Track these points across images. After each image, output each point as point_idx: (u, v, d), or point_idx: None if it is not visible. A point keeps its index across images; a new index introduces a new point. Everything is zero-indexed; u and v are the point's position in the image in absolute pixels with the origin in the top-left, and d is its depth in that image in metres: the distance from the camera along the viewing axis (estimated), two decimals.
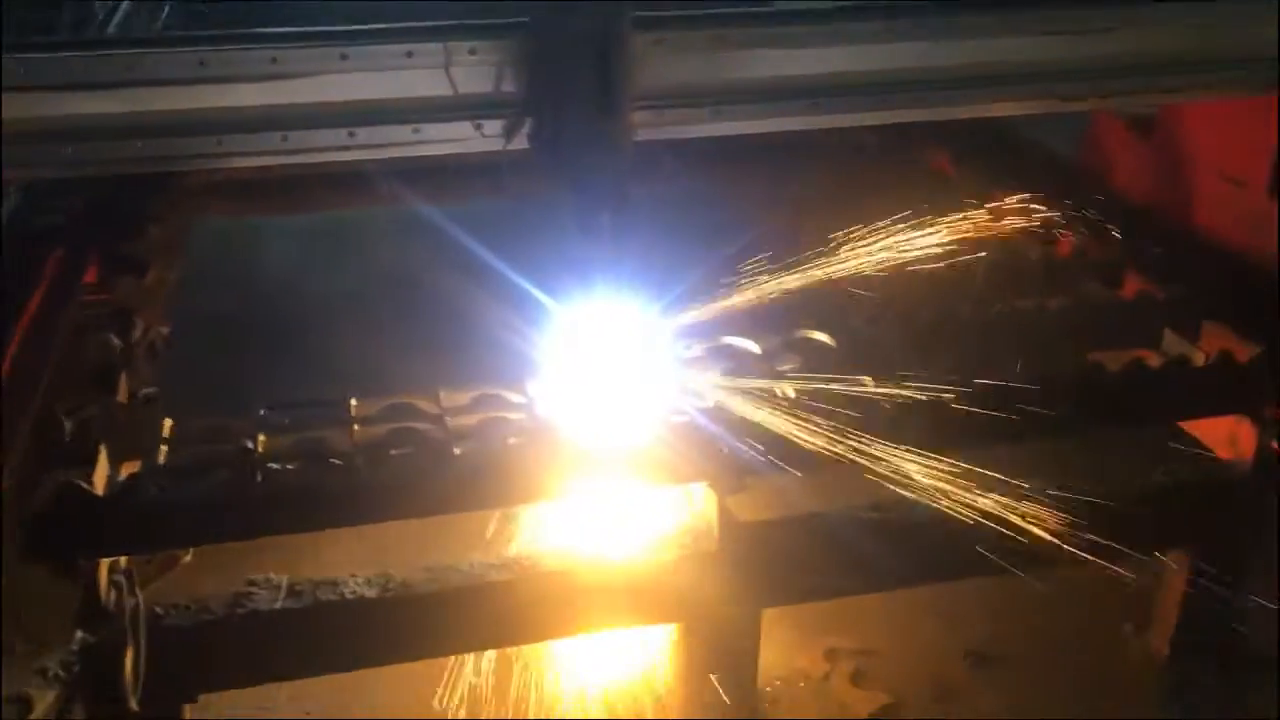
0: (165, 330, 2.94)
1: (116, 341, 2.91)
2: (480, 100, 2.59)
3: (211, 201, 3.78)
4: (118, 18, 3.82)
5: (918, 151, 4.10)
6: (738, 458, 2.53)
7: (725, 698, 2.76)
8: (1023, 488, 2.71)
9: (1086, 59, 2.87)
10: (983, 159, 4.00)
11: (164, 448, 2.44)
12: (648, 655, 2.91)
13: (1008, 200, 3.52)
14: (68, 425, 2.59)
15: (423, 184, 3.44)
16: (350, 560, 2.66)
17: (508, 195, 2.78)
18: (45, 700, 2.90)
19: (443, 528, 2.75)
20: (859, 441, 2.58)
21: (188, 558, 3.28)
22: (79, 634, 2.35)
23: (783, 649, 3.03)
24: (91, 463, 2.43)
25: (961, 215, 3.26)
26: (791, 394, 2.58)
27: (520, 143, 2.59)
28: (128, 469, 2.54)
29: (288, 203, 3.85)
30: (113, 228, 3.63)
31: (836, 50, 2.73)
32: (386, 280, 3.03)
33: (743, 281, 2.80)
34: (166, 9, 4.40)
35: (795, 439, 2.54)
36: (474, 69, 2.57)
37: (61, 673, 3.00)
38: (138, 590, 2.40)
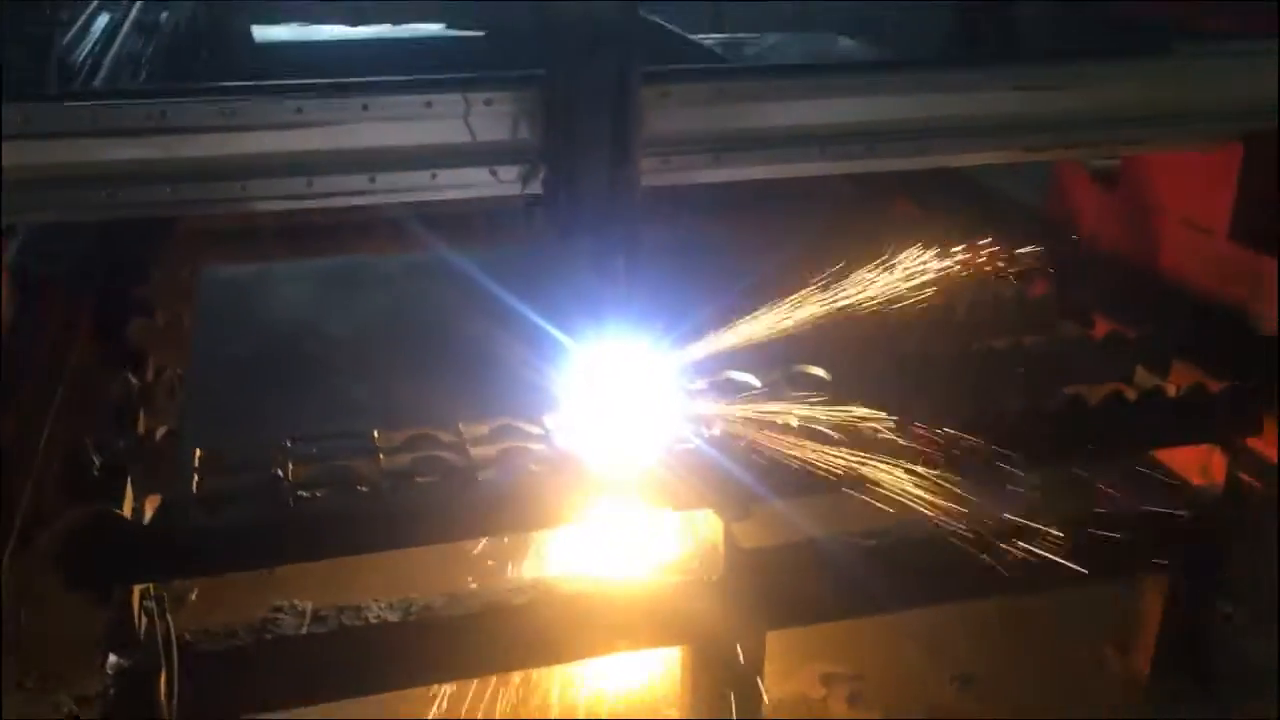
0: (180, 371, 3.03)
1: (135, 380, 2.99)
2: (496, 148, 2.76)
3: (214, 247, 3.91)
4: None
5: (890, 202, 4.29)
6: (742, 486, 2.66)
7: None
8: (1008, 515, 2.88)
9: (1052, 113, 3.09)
10: (951, 210, 4.19)
11: (195, 478, 2.51)
12: (656, 678, 3.02)
13: (981, 247, 3.72)
14: (96, 460, 2.67)
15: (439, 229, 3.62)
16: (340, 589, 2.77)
17: (521, 239, 2.91)
18: None
19: (454, 554, 2.87)
20: (855, 468, 2.71)
21: (193, 596, 3.37)
22: (113, 659, 2.41)
23: (780, 674, 3.13)
24: (119, 496, 2.52)
25: (938, 260, 3.44)
26: (794, 424, 2.71)
27: (535, 188, 2.74)
28: (151, 503, 2.62)
29: (290, 248, 3.98)
30: (116, 273, 3.74)
31: (825, 104, 2.92)
32: (399, 322, 3.14)
33: (743, 320, 2.94)
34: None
35: (796, 467, 2.68)
36: (490, 118, 2.73)
37: (74, 706, 3.08)
38: (168, 616, 2.48)
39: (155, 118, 2.57)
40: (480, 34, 6.59)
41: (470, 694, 2.90)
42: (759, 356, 2.93)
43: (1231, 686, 3.22)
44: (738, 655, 2.85)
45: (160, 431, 2.87)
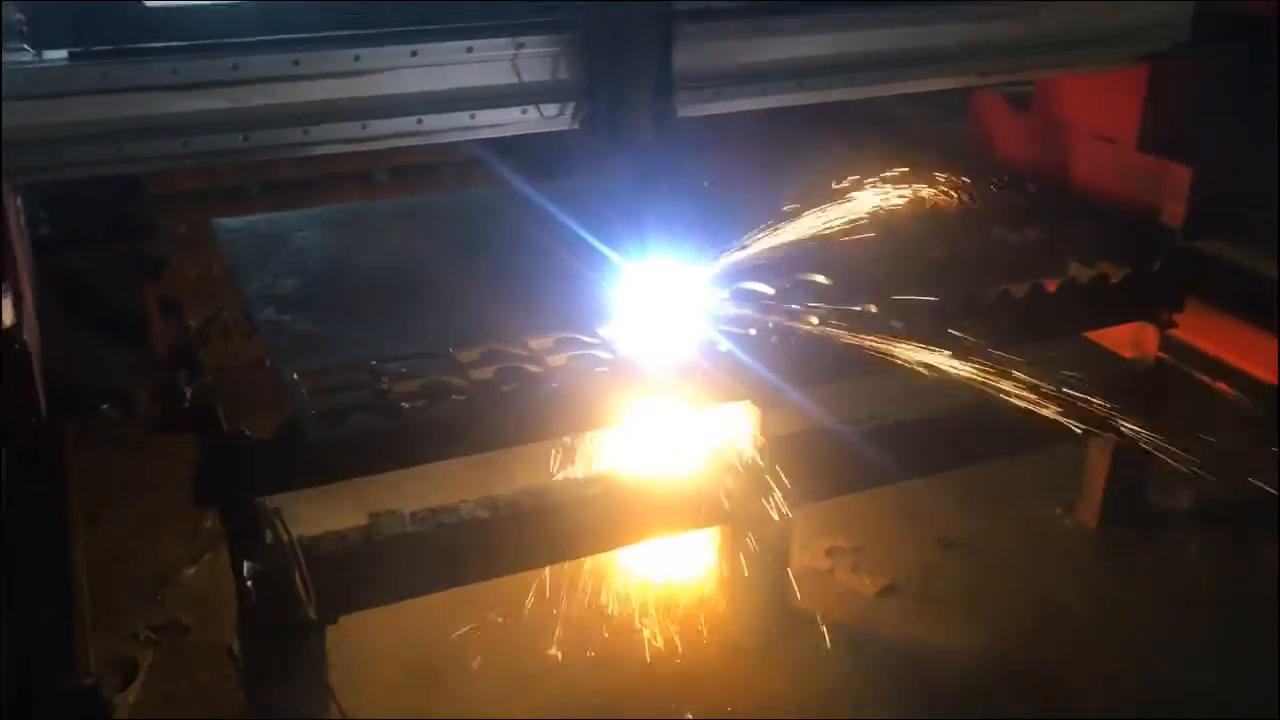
0: (238, 310, 3.20)
1: (191, 323, 3.17)
2: (537, 87, 3.02)
3: (214, 204, 4.06)
4: None
5: (831, 137, 4.68)
6: (773, 380, 3.03)
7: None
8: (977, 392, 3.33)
9: (1000, 40, 3.52)
10: (880, 140, 4.62)
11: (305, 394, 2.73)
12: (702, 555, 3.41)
13: (916, 171, 4.20)
14: (187, 392, 2.87)
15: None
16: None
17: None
18: (148, 659, 3.17)
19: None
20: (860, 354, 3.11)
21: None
22: (247, 564, 2.63)
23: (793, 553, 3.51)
24: (216, 422, 2.73)
25: (889, 185, 3.88)
26: (815, 321, 3.10)
27: (575, 124, 3.03)
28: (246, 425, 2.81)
29: (270, 203, 4.15)
30: (111, 233, 3.87)
31: (818, 37, 3.27)
32: (428, 256, 3.39)
33: (749, 240, 3.31)
34: None
35: (817, 358, 3.07)
36: (531, 60, 2.99)
37: (151, 634, 3.28)
38: (288, 524, 2.70)
39: (229, 70, 2.76)
40: None
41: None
42: (771, 267, 3.28)
43: (1164, 523, 3.79)
44: (768, 531, 3.23)
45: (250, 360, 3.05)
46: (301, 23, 2.92)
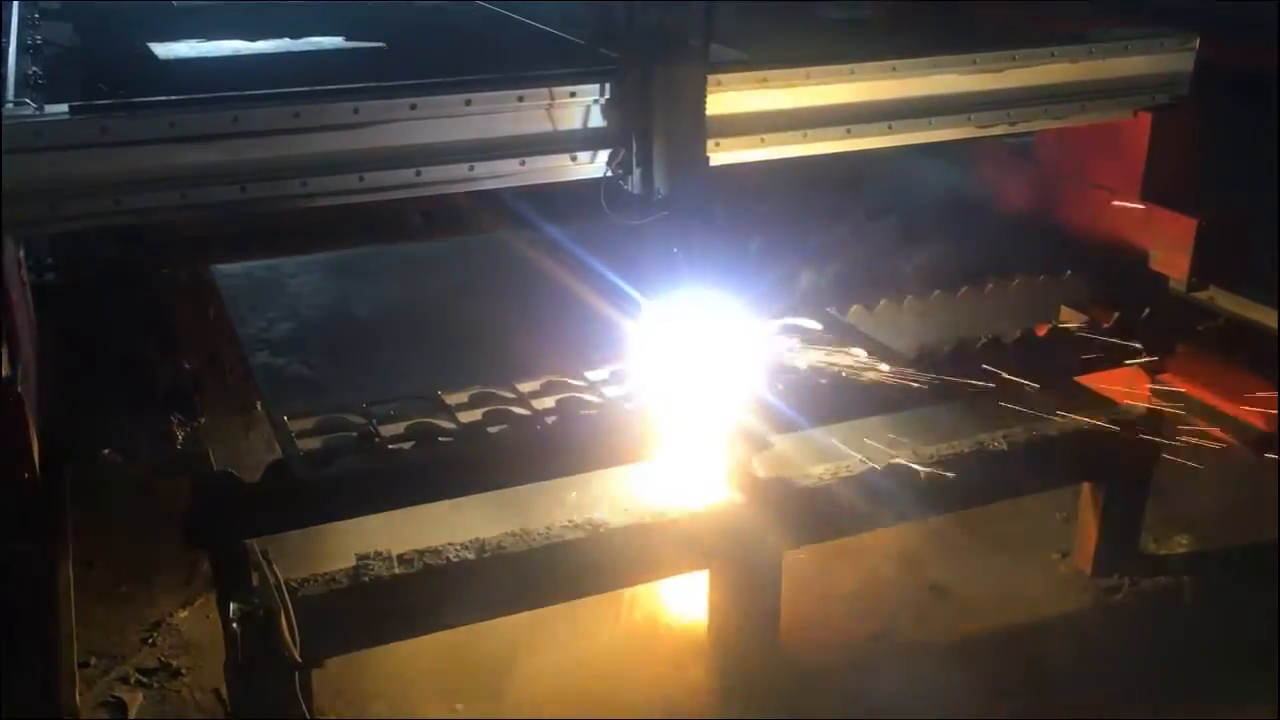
0: (234, 354, 3.26)
1: (188, 366, 3.23)
2: (570, 136, 3.05)
3: (215, 250, 4.11)
4: None
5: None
6: (762, 422, 3.06)
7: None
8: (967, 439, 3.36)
9: (1001, 93, 3.56)
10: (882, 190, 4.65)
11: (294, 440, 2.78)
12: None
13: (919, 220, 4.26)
14: (179, 435, 2.92)
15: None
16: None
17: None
18: (137, 701, 3.20)
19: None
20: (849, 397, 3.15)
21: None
22: (234, 605, 2.66)
23: (783, 597, 3.52)
24: (207, 463, 2.77)
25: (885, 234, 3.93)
26: (803, 366, 3.13)
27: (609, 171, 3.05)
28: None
29: (278, 248, 4.20)
30: (124, 279, 3.92)
31: (821, 88, 3.32)
32: (420, 301, 3.44)
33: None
34: None
35: (804, 401, 3.10)
36: (564, 110, 3.04)
37: (143, 678, 3.31)
38: (275, 567, 2.74)
39: (229, 123, 2.82)
40: (380, 45, 6.76)
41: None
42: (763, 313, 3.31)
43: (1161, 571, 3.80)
44: (759, 575, 3.24)
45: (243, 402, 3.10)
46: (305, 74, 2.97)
